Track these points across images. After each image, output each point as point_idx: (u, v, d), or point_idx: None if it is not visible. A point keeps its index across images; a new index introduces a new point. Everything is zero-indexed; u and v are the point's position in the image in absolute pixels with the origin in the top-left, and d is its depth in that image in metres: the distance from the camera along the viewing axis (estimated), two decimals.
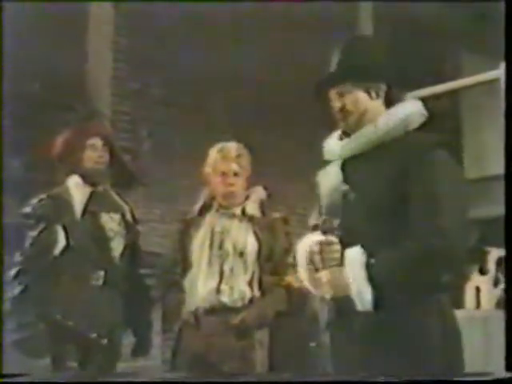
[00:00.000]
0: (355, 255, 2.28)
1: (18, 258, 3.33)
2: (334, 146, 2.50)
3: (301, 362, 3.42)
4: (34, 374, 2.57)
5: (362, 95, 2.43)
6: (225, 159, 3.35)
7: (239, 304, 3.21)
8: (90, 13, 5.80)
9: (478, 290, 4.71)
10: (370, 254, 2.26)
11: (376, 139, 2.38)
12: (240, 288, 3.22)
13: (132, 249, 3.52)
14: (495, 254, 4.57)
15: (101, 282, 3.34)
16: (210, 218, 3.36)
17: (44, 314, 3.26)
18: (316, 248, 2.38)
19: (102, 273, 3.35)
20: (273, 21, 6.24)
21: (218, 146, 3.42)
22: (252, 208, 3.36)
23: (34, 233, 3.36)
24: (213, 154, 3.40)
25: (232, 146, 3.40)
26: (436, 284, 2.30)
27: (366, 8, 7.11)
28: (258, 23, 6.27)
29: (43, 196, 3.45)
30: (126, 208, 3.57)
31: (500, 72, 4.89)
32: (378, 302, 2.23)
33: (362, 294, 2.24)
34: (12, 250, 3.30)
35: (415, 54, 6.31)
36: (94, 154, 3.48)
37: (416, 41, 6.95)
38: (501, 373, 2.36)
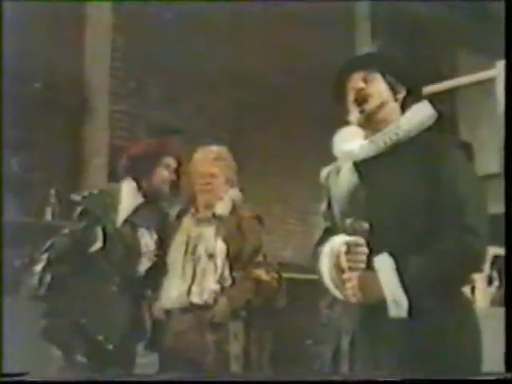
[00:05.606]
0: (386, 261, 2.21)
1: (56, 244, 3.34)
2: (350, 145, 2.43)
3: (297, 360, 3.44)
4: (33, 374, 2.58)
5: (386, 88, 2.39)
6: (205, 161, 3.46)
7: (210, 302, 3.27)
8: (88, 12, 5.81)
9: (472, 288, 4.71)
10: (396, 258, 2.21)
11: (396, 141, 2.34)
12: (210, 287, 3.28)
13: (159, 267, 3.50)
14: (490, 252, 4.58)
15: (121, 289, 3.34)
16: (186, 222, 3.46)
17: (65, 306, 3.29)
18: (343, 249, 2.28)
19: (124, 281, 3.35)
20: (272, 20, 6.26)
21: (201, 149, 3.53)
22: (221, 209, 3.43)
23: (75, 225, 3.37)
24: (195, 155, 3.51)
25: (213, 149, 3.52)
26: (464, 282, 2.30)
27: (363, 7, 7.13)
28: (258, 22, 6.29)
29: (95, 191, 3.47)
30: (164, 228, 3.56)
31: (496, 71, 4.92)
32: (411, 307, 2.17)
33: (398, 301, 2.18)
34: (13, 249, 3.31)
35: (411, 54, 6.33)
36: (166, 173, 3.47)
37: (412, 40, 6.96)
38: (500, 373, 2.37)
